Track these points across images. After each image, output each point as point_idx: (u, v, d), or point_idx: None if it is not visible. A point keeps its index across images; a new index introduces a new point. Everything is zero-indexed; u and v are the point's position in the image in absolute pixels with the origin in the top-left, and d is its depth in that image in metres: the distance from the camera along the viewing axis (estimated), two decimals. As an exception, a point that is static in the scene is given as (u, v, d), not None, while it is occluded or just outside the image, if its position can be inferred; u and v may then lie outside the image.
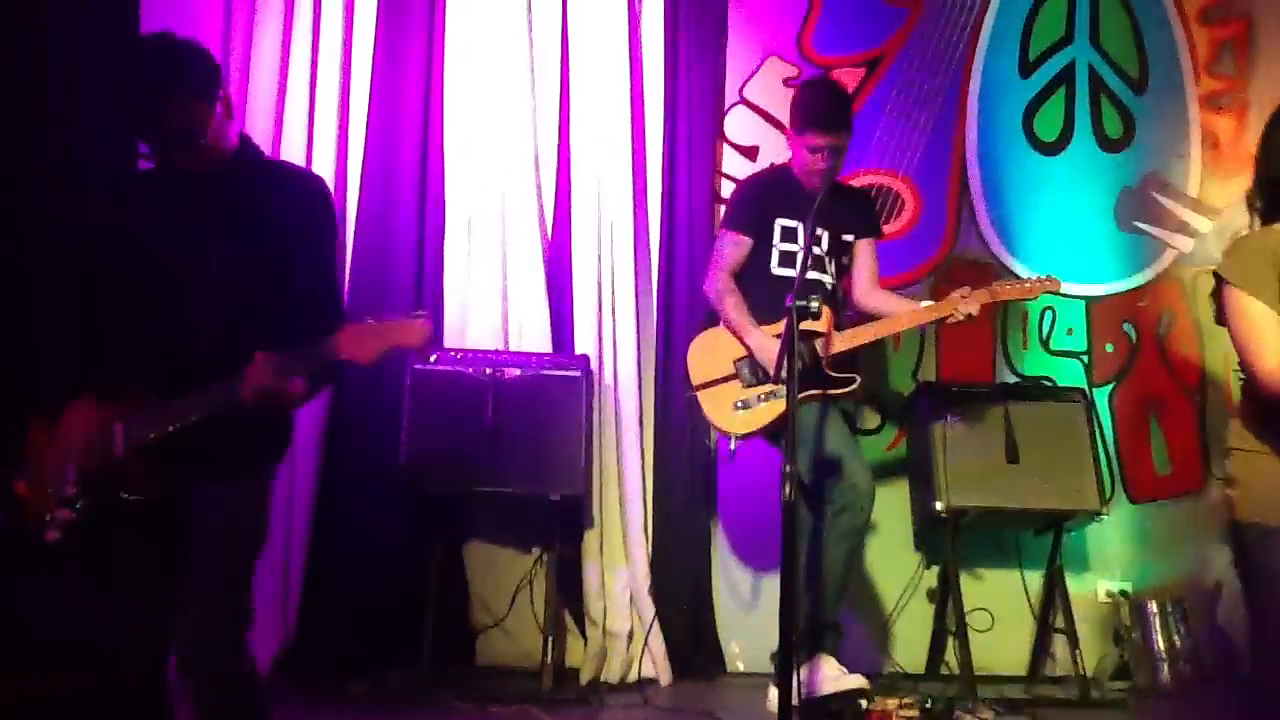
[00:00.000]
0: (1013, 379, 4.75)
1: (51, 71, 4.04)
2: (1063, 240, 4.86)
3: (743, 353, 3.87)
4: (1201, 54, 4.98)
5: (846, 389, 3.85)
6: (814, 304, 3.19)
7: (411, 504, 4.19)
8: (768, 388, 3.81)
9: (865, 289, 4.07)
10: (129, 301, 2.48)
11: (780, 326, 3.81)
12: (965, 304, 3.81)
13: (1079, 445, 4.33)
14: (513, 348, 4.38)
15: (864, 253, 4.07)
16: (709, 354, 3.94)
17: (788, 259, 3.91)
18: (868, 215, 4.18)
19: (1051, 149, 4.93)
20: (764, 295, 3.85)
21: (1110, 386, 4.80)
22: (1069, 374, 4.77)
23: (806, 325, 3.82)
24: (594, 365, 4.34)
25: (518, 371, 4.14)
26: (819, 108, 3.90)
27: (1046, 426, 4.33)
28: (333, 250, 2.60)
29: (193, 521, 2.38)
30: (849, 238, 4.02)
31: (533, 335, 4.44)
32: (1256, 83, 4.91)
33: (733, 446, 3.86)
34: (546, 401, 4.14)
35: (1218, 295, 2.55)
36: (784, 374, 3.64)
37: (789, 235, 3.93)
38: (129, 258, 2.48)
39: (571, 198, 4.52)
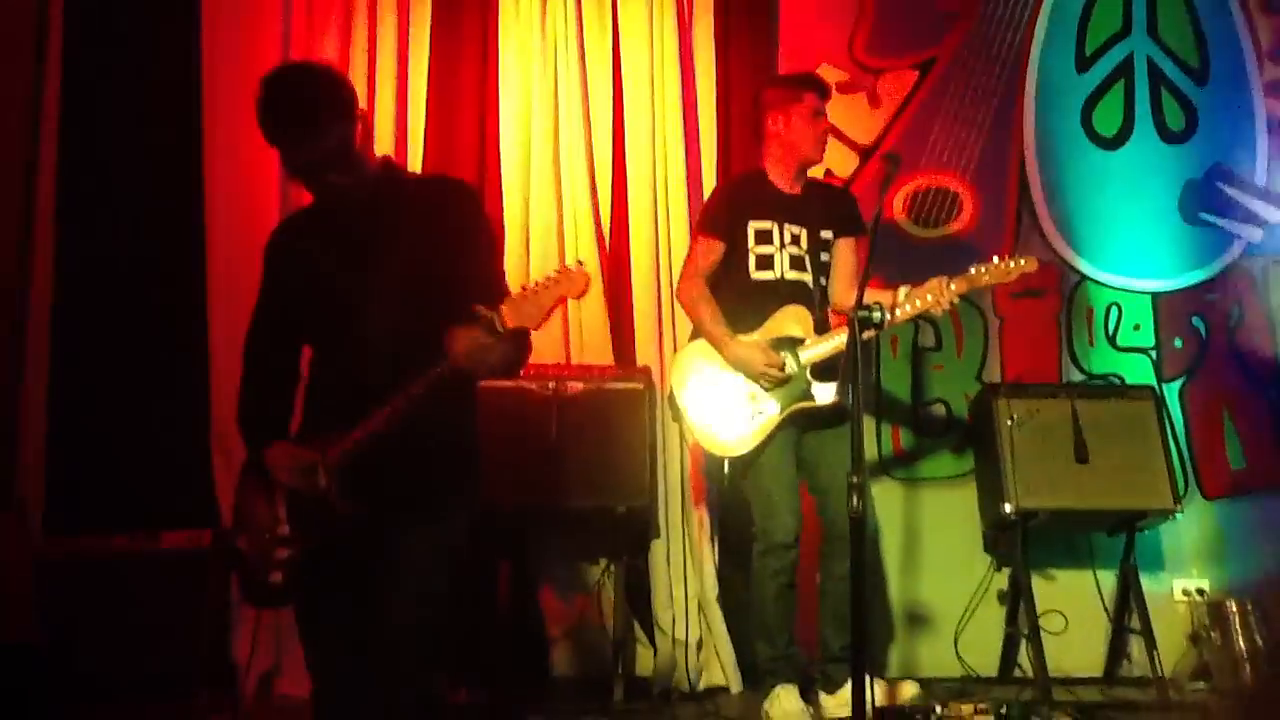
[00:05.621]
0: (1080, 377, 4.69)
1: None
2: (1127, 236, 4.80)
3: (723, 367, 3.74)
4: (1264, 41, 4.91)
5: (827, 401, 3.69)
6: (875, 314, 2.92)
7: (477, 520, 4.23)
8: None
9: (845, 289, 3.86)
10: (308, 337, 2.60)
11: (763, 333, 3.75)
12: (941, 297, 3.62)
13: (1150, 443, 4.26)
14: (574, 360, 4.41)
15: (843, 251, 3.90)
16: (690, 372, 3.82)
17: (765, 262, 3.80)
18: (848, 213, 3.97)
19: (1112, 144, 4.88)
20: (743, 301, 3.77)
21: (1180, 382, 4.73)
22: (1137, 370, 4.70)
23: (794, 332, 3.74)
24: (655, 376, 4.35)
25: (580, 385, 4.16)
26: (803, 74, 3.94)
27: (1116, 425, 4.27)
28: (491, 250, 2.63)
29: (390, 561, 2.46)
30: (827, 234, 3.85)
31: (594, 347, 4.47)
32: (1323, 68, 4.83)
33: (727, 470, 3.80)
34: (610, 414, 4.15)
35: None
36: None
37: (763, 238, 3.81)
38: (299, 298, 2.57)
39: (628, 209, 4.55)
